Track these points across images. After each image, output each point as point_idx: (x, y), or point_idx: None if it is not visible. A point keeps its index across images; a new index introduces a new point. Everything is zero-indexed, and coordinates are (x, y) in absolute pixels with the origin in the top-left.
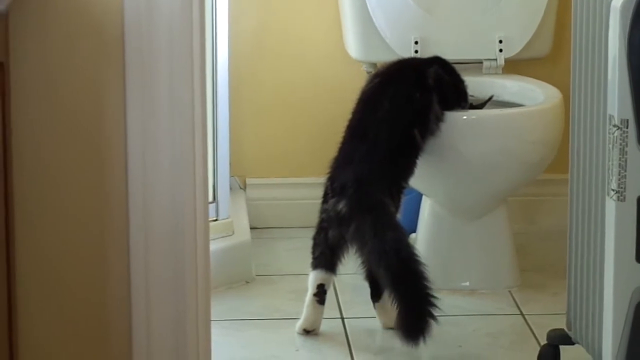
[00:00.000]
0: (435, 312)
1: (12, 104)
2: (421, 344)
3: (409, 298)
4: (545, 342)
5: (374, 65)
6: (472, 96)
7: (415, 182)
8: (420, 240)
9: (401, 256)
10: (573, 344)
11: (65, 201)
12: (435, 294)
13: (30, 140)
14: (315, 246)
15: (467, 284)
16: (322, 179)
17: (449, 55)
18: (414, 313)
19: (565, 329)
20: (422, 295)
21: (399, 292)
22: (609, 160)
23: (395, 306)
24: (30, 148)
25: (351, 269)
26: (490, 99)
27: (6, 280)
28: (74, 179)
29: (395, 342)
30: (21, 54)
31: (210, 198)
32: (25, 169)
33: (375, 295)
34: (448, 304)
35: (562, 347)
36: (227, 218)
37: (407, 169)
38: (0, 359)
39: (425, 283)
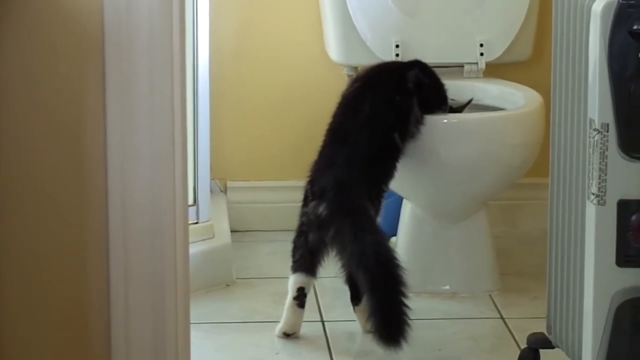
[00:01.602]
0: (409, 318)
1: None
2: (403, 346)
3: (383, 304)
4: (526, 345)
5: (355, 68)
6: (452, 100)
7: (396, 185)
8: (401, 244)
9: (381, 260)
10: (553, 347)
11: (44, 201)
12: (409, 300)
13: (9, 139)
14: (295, 249)
15: (448, 287)
16: (303, 182)
17: (430, 58)
18: (390, 319)
19: (546, 333)
20: (396, 302)
21: (374, 297)
22: (589, 164)
23: (370, 310)
24: (10, 147)
25: (332, 272)
26: (469, 102)
27: None
28: (53, 179)
29: (376, 345)
30: (0, 54)
31: (191, 201)
32: (4, 168)
33: (355, 299)
34: (428, 308)
35: (542, 351)
36: (207, 221)
37: (388, 173)
38: None
39: (402, 289)
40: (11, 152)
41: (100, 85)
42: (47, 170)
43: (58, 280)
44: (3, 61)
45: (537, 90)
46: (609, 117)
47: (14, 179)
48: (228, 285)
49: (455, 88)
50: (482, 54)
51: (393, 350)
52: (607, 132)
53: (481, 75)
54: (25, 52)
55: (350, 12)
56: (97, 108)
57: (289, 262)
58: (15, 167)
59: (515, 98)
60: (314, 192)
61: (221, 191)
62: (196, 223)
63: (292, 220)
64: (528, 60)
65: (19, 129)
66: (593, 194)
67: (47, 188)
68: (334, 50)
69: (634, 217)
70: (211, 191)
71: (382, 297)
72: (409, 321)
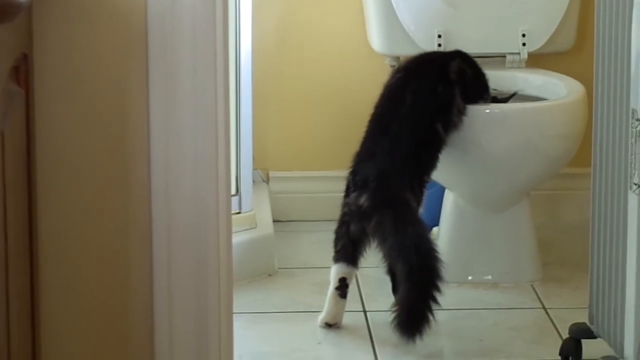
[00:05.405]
0: (432, 315)
1: (35, 96)
2: (416, 341)
3: (413, 296)
4: (568, 335)
5: (397, 58)
6: (494, 90)
7: (438, 175)
8: (443, 234)
9: (420, 252)
10: (595, 337)
11: (87, 194)
12: (442, 294)
13: (53, 132)
14: (337, 240)
15: (490, 277)
16: (345, 173)
17: (472, 49)
18: (414, 312)
19: (588, 323)
20: (426, 296)
21: (406, 287)
22: (631, 155)
23: (399, 297)
24: (53, 140)
25: (374, 262)
26: (514, 94)
27: (29, 271)
28: (96, 171)
29: (393, 332)
30: (44, 46)
31: (233, 191)
32: (48, 160)
33: (397, 289)
34: (470, 298)
35: (584, 341)
36: (250, 211)
37: (430, 163)
38: (24, 348)
39: (437, 282)
40: (54, 146)
41: (144, 77)
42: (90, 164)
43: (101, 271)
44: (46, 53)
45: (580, 81)
46: None
47: (58, 173)
48: (270, 275)
49: (497, 78)
50: (524, 44)
51: (407, 342)
52: None
53: (523, 66)
54: (69, 45)
55: (393, 2)
56: (141, 100)
57: (331, 252)
58: (59, 161)
59: (557, 88)
60: (355, 182)
61: (263, 181)
62: (239, 213)
63: (335, 210)
64: (570, 50)
65: (62, 123)
66: (635, 184)
67: (89, 181)
68: (376, 40)
69: None
70: (254, 181)
71: (414, 289)
72: (432, 319)
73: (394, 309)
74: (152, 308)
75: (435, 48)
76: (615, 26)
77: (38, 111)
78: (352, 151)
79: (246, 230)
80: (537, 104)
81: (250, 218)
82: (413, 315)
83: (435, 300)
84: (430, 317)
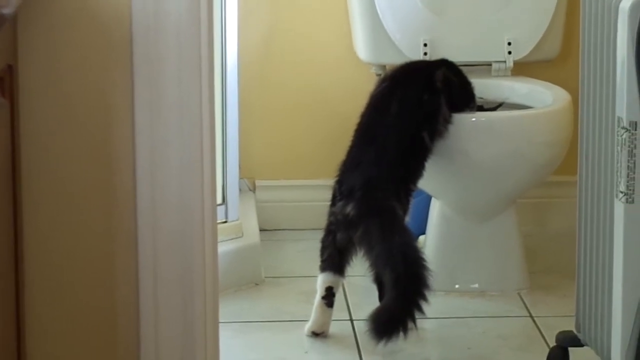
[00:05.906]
0: (416, 323)
1: (20, 106)
2: (379, 345)
3: (396, 303)
4: (555, 344)
5: (383, 67)
6: (481, 98)
7: (424, 184)
8: (430, 242)
9: (407, 261)
10: (582, 346)
11: (73, 202)
12: (429, 303)
13: (38, 141)
14: (323, 249)
15: (477, 285)
16: (332, 181)
17: (458, 57)
18: (394, 318)
19: (575, 331)
20: (409, 306)
21: (392, 293)
22: (617, 162)
23: (383, 301)
24: (39, 149)
25: (361, 271)
26: (501, 104)
27: (14, 277)
28: (82, 180)
29: (404, 344)
30: (29, 57)
31: (220, 200)
32: (34, 169)
33: (384, 298)
34: (457, 306)
35: (571, 349)
36: (236, 220)
37: (416, 172)
38: (9, 352)
39: (423, 290)
40: (40, 155)
41: (129, 86)
42: (75, 172)
43: (87, 276)
44: (31, 64)
45: (565, 89)
46: (637, 115)
47: (43, 181)
48: (257, 284)
49: (483, 87)
50: (510, 53)
51: (371, 341)
52: (635, 130)
53: (509, 74)
54: (54, 55)
55: (379, 11)
56: (126, 108)
57: (317, 261)
58: (44, 169)
59: (543, 96)
60: (342, 191)
61: (250, 190)
62: (225, 222)
63: (321, 219)
64: (556, 59)
65: (48, 132)
66: (621, 192)
67: (75, 189)
68: (362, 49)
69: None
70: (240, 190)
71: (400, 297)
72: (414, 327)
73: (376, 308)
74: (138, 316)
75: (421, 56)
76: (601, 34)
77: (23, 122)
78: (338, 160)
79: (232, 239)
80: (523, 112)
81: (237, 227)
82: (391, 320)
83: (420, 309)
84: (411, 326)
